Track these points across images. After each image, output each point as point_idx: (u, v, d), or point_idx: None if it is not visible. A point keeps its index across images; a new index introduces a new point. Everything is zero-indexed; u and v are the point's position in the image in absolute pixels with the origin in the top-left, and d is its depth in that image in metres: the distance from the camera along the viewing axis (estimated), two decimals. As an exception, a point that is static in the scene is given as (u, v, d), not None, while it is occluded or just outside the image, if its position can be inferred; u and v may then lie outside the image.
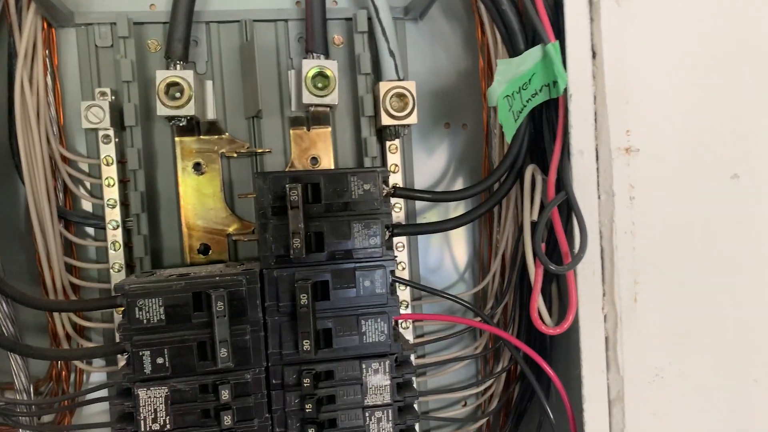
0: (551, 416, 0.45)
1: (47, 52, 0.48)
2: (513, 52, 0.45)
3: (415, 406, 0.44)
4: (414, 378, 0.43)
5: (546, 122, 0.46)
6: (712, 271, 0.44)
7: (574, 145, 0.42)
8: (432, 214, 0.56)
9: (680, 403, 0.44)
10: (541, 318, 0.41)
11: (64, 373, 0.49)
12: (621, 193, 0.42)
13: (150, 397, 0.39)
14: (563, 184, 0.42)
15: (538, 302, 0.41)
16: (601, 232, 0.42)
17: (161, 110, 0.46)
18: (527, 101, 0.43)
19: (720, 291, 0.44)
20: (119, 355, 0.46)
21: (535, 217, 0.43)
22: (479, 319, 0.49)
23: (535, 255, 0.41)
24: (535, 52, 0.42)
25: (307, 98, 0.47)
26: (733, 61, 0.44)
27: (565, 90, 0.42)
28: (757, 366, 0.45)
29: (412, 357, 0.44)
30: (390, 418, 0.42)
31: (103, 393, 0.46)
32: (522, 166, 0.46)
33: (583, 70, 0.42)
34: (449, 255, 0.56)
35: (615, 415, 0.43)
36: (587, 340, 0.43)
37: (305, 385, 0.40)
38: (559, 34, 0.42)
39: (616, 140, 0.42)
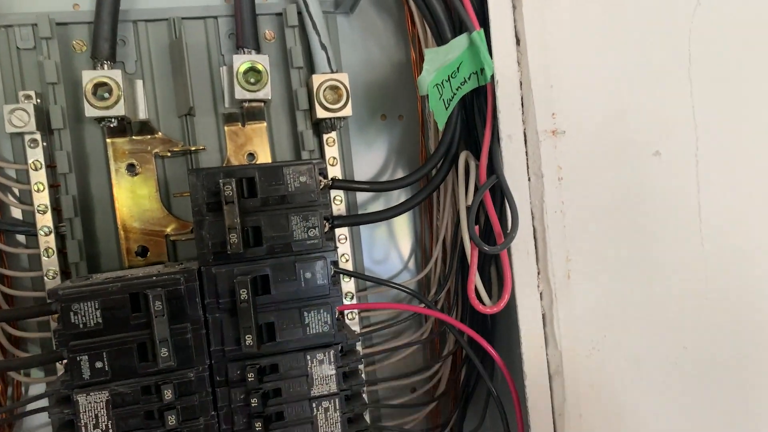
0: (494, 391, 0.46)
1: (-35, 55, 0.46)
2: (441, 41, 0.46)
3: (364, 395, 0.44)
4: (361, 367, 0.44)
5: (476, 109, 0.47)
6: (641, 245, 0.46)
7: (503, 129, 0.43)
8: (375, 206, 0.56)
9: (616, 374, 0.46)
10: (479, 298, 0.43)
11: (0, 387, 0.48)
12: (549, 174, 0.44)
13: (90, 402, 0.38)
14: (494, 168, 0.43)
15: (474, 282, 0.42)
16: (533, 213, 0.44)
17: (90, 111, 0.45)
18: (457, 89, 0.44)
19: (649, 264, 0.46)
20: (58, 364, 0.45)
21: (470, 202, 0.44)
22: (423, 305, 0.50)
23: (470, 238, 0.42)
24: (461, 40, 0.43)
25: (240, 94, 0.47)
26: (651, 42, 0.46)
27: (492, 77, 0.43)
28: (687, 334, 0.47)
29: (358, 346, 0.44)
30: (337, 408, 0.42)
31: (43, 403, 0.45)
32: (456, 153, 0.47)
33: (508, 57, 0.44)
34: (393, 245, 0.57)
35: (555, 389, 0.45)
36: (525, 317, 0.44)
37: (249, 380, 0.40)
38: (484, 22, 0.44)
39: (542, 123, 0.44)
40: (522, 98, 0.44)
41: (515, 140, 0.43)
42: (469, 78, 0.44)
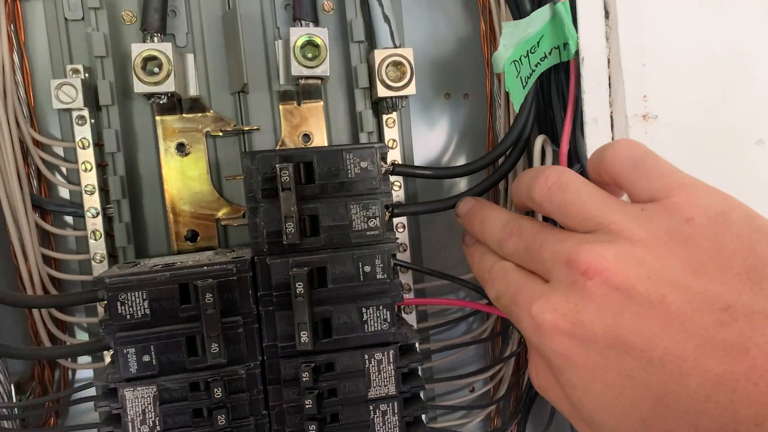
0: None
1: (12, 27, 0.44)
2: (518, 13, 0.41)
3: (422, 395, 0.41)
4: (419, 366, 0.40)
5: (555, 89, 0.43)
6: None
7: (588, 112, 0.39)
8: (431, 192, 0.52)
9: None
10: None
11: (47, 371, 0.46)
12: (639, 163, 0.39)
13: (137, 397, 0.36)
14: (577, 155, 0.39)
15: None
16: (619, 207, 0.39)
17: (138, 87, 0.42)
18: (536, 66, 0.40)
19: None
20: (105, 351, 0.43)
21: (546, 193, 0.40)
22: (486, 301, 0.46)
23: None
24: (544, 12, 0.39)
25: (297, 70, 0.43)
26: (758, 20, 0.41)
27: (577, 53, 0.39)
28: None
29: (417, 344, 0.41)
30: (396, 411, 0.39)
31: (91, 392, 0.44)
32: (530, 138, 0.43)
33: (596, 31, 0.39)
34: (453, 234, 0.53)
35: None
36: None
37: (304, 379, 0.37)
38: (569, -9, 0.39)
39: (632, 107, 0.39)
40: (610, 78, 0.39)
41: (601, 125, 0.39)
42: (549, 53, 0.40)
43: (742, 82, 0.41)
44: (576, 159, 0.39)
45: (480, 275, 0.34)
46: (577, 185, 0.28)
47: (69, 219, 0.47)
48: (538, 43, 0.39)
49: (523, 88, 0.40)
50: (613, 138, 0.39)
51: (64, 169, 0.46)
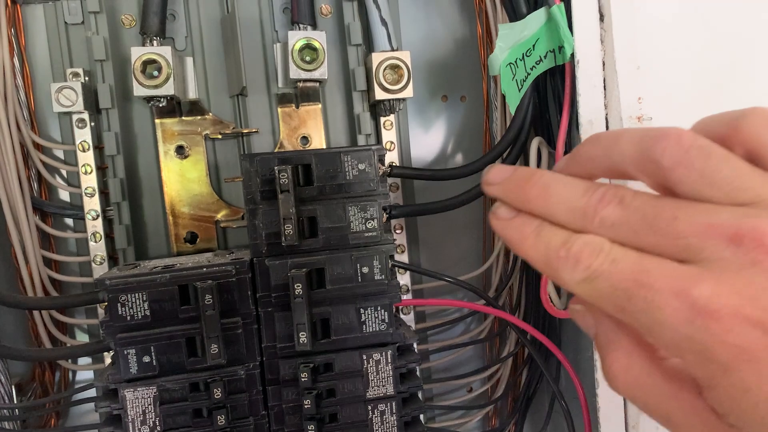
0: (564, 400, 0.43)
1: (13, 31, 0.45)
2: (514, 16, 0.42)
3: (419, 395, 0.41)
4: (417, 366, 0.41)
5: (551, 91, 0.43)
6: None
7: (583, 114, 0.39)
8: (431, 192, 0.53)
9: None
10: (551, 300, 0.39)
11: (47, 373, 0.47)
12: (634, 165, 0.39)
13: (137, 398, 0.36)
14: (572, 157, 0.39)
15: (549, 285, 0.38)
16: (614, 208, 0.40)
17: (138, 90, 0.42)
18: (531, 68, 0.40)
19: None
20: (105, 352, 0.44)
21: (542, 194, 0.41)
22: (484, 302, 0.47)
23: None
24: (539, 15, 0.39)
25: (295, 73, 0.44)
26: (750, 23, 0.41)
27: (572, 55, 0.39)
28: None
29: (415, 344, 0.41)
30: (394, 411, 0.39)
31: (91, 393, 0.44)
32: (526, 140, 0.43)
33: (591, 34, 0.40)
34: (450, 236, 0.54)
35: (630, 399, 0.41)
36: (600, 321, 0.40)
37: (303, 379, 0.37)
38: (564, -5, 0.39)
39: (627, 109, 0.39)
40: (605, 80, 0.39)
41: (596, 126, 0.39)
42: (545, 56, 0.40)
43: (735, 85, 0.41)
44: (571, 160, 0.39)
45: (543, 254, 0.26)
46: (721, 151, 0.23)
47: (69, 221, 0.47)
48: (533, 46, 0.40)
49: (519, 90, 0.40)
50: (608, 140, 0.40)
51: (64, 172, 0.47)
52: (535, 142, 0.42)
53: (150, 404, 0.36)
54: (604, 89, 0.40)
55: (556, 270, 0.26)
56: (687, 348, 0.22)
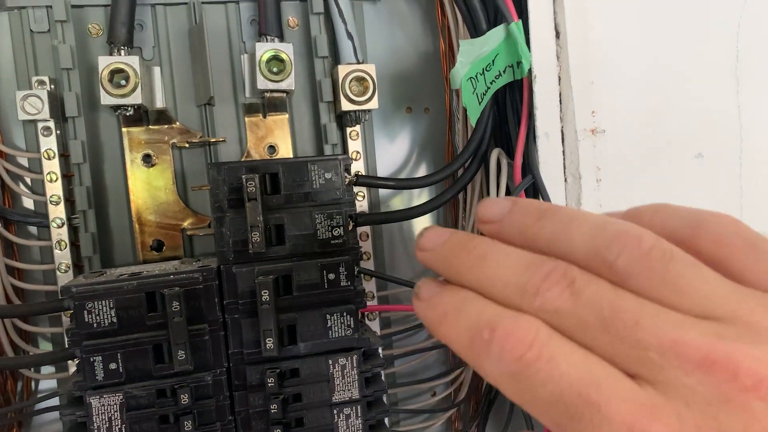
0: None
1: (-23, 38, 0.44)
2: (475, 32, 0.43)
3: (384, 398, 0.42)
4: (382, 371, 0.42)
5: (510, 105, 0.45)
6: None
7: (540, 127, 0.41)
8: (396, 201, 0.54)
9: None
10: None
11: (9, 382, 0.46)
12: (588, 175, 0.42)
13: (103, 404, 0.36)
14: (529, 167, 0.41)
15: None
16: (569, 216, 0.42)
17: (105, 99, 0.43)
18: (491, 83, 0.42)
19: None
20: (70, 361, 0.44)
21: (501, 203, 0.42)
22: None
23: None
24: (498, 31, 0.41)
25: (262, 83, 0.45)
26: (697, 39, 0.44)
27: (530, 71, 0.41)
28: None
29: (380, 349, 0.42)
30: (359, 414, 0.40)
31: (54, 402, 0.44)
32: (486, 151, 0.45)
33: (547, 50, 0.42)
34: (414, 243, 0.55)
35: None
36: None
37: (269, 384, 0.38)
38: (522, 13, 0.41)
39: (581, 121, 0.41)
40: (560, 94, 0.41)
41: (552, 139, 0.41)
42: (504, 71, 0.42)
43: (682, 99, 0.44)
44: (529, 170, 0.41)
45: (464, 334, 0.21)
46: (687, 257, 0.20)
47: (33, 229, 0.47)
48: (493, 61, 0.41)
49: (480, 103, 0.42)
50: (564, 152, 0.42)
51: (28, 180, 0.46)
52: (494, 153, 0.43)
53: (116, 411, 0.37)
54: (560, 103, 0.42)
55: (477, 356, 0.20)
56: None
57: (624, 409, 0.17)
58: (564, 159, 0.42)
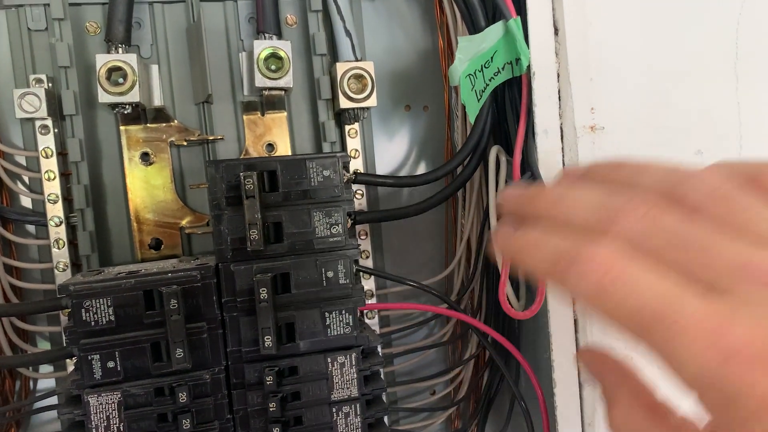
0: (523, 401, 0.44)
1: (-26, 36, 0.44)
2: (474, 29, 0.43)
3: (383, 397, 0.42)
4: (381, 369, 0.42)
5: (509, 102, 0.45)
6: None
7: (539, 124, 0.41)
8: (394, 199, 0.54)
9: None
10: (509, 302, 0.41)
11: (8, 381, 0.46)
12: (587, 172, 0.41)
13: (101, 403, 0.36)
14: (528, 164, 0.41)
15: (506, 287, 0.39)
16: (568, 213, 0.42)
17: (103, 97, 0.42)
18: (490, 80, 0.42)
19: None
20: (68, 360, 0.43)
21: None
22: (446, 305, 0.48)
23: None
24: (497, 28, 0.41)
25: (260, 81, 0.44)
26: (696, 35, 0.43)
27: (528, 67, 0.41)
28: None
29: (379, 347, 0.42)
30: (358, 412, 0.40)
31: (53, 401, 0.44)
32: (485, 148, 0.45)
33: (546, 47, 0.41)
34: (414, 241, 0.55)
35: (586, 398, 0.43)
36: (556, 322, 0.42)
37: (268, 383, 0.38)
38: (520, 10, 0.41)
39: (580, 118, 0.41)
40: (559, 91, 0.41)
41: (551, 135, 0.41)
42: (503, 68, 0.42)
43: (682, 95, 0.43)
44: (528, 167, 0.41)
45: (549, 257, 0.22)
46: (752, 192, 0.21)
47: (31, 228, 0.47)
48: (492, 58, 0.41)
49: (478, 100, 0.42)
50: (563, 149, 0.42)
51: (26, 178, 0.46)
52: (493, 150, 0.43)
53: (114, 410, 0.36)
54: (559, 100, 0.41)
55: (563, 276, 0.22)
56: (711, 389, 0.19)
57: (701, 317, 0.19)
58: (563, 156, 0.41)
